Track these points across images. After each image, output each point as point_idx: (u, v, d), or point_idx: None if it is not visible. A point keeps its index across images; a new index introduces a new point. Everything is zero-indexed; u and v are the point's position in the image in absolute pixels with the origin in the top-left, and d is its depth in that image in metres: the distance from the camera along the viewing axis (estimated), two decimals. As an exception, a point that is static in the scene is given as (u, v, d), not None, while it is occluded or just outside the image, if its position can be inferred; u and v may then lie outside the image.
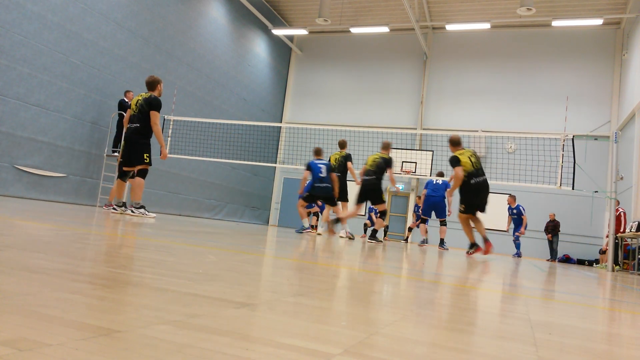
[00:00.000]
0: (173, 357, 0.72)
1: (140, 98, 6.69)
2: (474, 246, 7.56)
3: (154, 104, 6.56)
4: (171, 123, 12.33)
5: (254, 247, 4.05)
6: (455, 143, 7.26)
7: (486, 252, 7.33)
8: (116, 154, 10.86)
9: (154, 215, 7.38)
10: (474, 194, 6.89)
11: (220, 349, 0.80)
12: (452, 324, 1.40)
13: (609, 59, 16.26)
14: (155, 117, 6.57)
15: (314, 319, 1.19)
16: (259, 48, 17.89)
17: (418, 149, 17.04)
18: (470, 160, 6.92)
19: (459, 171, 6.82)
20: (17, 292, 1.03)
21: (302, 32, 18.01)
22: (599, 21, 14.67)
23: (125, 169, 6.75)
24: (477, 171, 6.88)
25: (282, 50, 19.53)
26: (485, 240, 7.34)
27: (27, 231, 2.76)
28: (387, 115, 18.31)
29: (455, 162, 6.89)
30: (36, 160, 9.50)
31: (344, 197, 9.15)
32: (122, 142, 6.98)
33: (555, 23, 15.16)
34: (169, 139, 12.23)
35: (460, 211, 7.13)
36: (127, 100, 11.07)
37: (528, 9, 12.29)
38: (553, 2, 16.02)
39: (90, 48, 10.63)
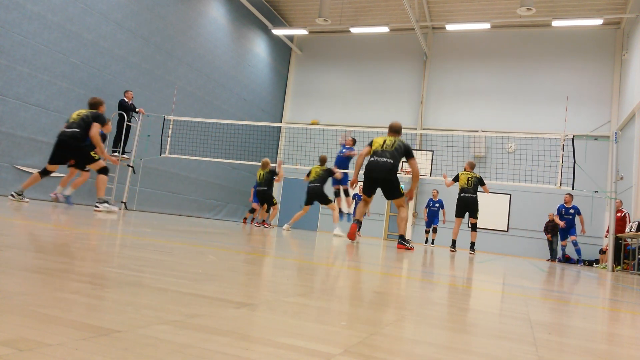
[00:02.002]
0: (173, 357, 0.72)
1: (391, 139, 6.93)
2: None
3: (99, 118, 6.89)
4: (171, 123, 12.33)
5: (254, 247, 4.05)
6: (391, 128, 7.22)
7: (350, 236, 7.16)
8: (116, 154, 10.87)
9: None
10: (365, 175, 6.92)
11: (220, 349, 0.80)
12: (452, 324, 1.40)
13: (609, 59, 16.26)
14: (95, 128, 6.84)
15: (314, 319, 1.19)
16: (259, 48, 17.89)
17: (418, 149, 17.04)
18: (384, 142, 6.89)
19: (364, 150, 7.10)
20: (17, 292, 1.03)
21: (302, 32, 18.01)
22: (599, 21, 14.67)
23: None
24: (381, 152, 6.79)
25: (282, 50, 19.53)
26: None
27: (27, 231, 2.76)
28: (387, 115, 18.29)
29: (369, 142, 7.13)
30: (36, 160, 9.49)
31: (326, 201, 10.33)
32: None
33: (555, 23, 15.16)
34: (169, 139, 12.24)
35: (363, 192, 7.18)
36: (127, 100, 11.07)
37: (528, 9, 12.29)
38: (553, 2, 16.02)
39: (90, 48, 10.63)
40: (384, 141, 6.89)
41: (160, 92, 13.01)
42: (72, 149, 6.70)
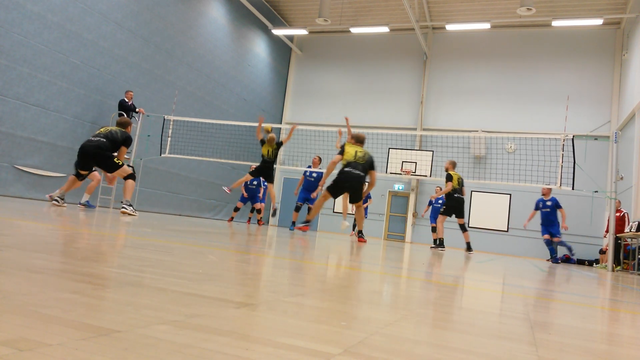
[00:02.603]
0: (173, 357, 0.72)
1: (361, 150, 7.80)
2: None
3: (127, 141, 7.14)
4: (171, 123, 12.33)
5: (254, 247, 4.05)
6: (356, 139, 8.10)
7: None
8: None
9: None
10: (340, 182, 7.69)
11: (220, 349, 0.80)
12: (452, 324, 1.40)
13: (609, 59, 16.26)
14: (123, 151, 7.13)
15: (314, 319, 1.19)
16: (259, 48, 17.89)
17: (418, 149, 17.04)
18: (355, 154, 7.72)
19: (337, 158, 7.79)
20: (17, 292, 1.03)
21: (302, 32, 18.01)
22: (599, 21, 14.66)
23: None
24: (355, 164, 7.62)
25: (282, 50, 19.53)
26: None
27: (27, 231, 2.76)
28: (387, 115, 18.32)
29: (340, 150, 7.85)
30: (36, 160, 9.50)
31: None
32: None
33: (555, 23, 15.16)
34: (169, 139, 12.24)
35: (326, 187, 8.03)
36: (127, 100, 11.07)
37: (528, 9, 12.29)
38: (553, 2, 16.01)
39: (90, 48, 10.63)
40: (356, 152, 7.72)
41: (160, 92, 13.01)
42: (98, 159, 6.82)
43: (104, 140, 6.80)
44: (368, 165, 7.74)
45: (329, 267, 3.04)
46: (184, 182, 14.34)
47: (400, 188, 17.80)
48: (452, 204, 9.80)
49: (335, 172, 7.91)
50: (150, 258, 2.10)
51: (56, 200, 7.06)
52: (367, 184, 8.07)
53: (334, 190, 7.82)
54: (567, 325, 1.68)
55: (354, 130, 9.18)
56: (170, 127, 12.30)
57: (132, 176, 7.02)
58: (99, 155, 6.75)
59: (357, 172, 7.58)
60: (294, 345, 0.88)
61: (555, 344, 1.25)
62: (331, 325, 1.13)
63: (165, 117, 12.23)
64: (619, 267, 10.91)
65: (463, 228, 10.00)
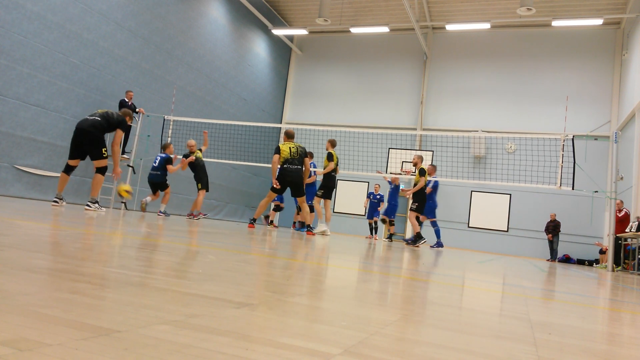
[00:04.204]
0: (173, 357, 0.72)
1: (294, 146, 8.27)
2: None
3: (122, 124, 6.97)
4: (171, 123, 12.33)
5: (254, 247, 4.05)
6: (288, 135, 8.65)
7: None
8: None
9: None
10: (281, 178, 8.28)
11: (220, 349, 0.80)
12: (452, 324, 1.40)
13: (609, 59, 16.26)
14: (118, 136, 6.97)
15: (314, 319, 1.19)
16: (259, 48, 17.88)
17: (418, 149, 17.03)
18: (290, 150, 8.29)
19: (276, 158, 8.27)
20: (17, 292, 1.03)
21: (302, 32, 18.01)
22: (599, 21, 14.66)
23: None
24: (292, 160, 8.27)
25: (282, 50, 19.53)
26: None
27: (27, 231, 2.76)
28: (387, 115, 18.32)
29: (275, 150, 8.35)
30: (36, 160, 9.49)
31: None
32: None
33: (555, 23, 15.16)
34: (169, 139, 12.23)
35: (271, 188, 8.49)
36: (127, 100, 11.06)
37: (528, 9, 12.29)
38: (553, 2, 16.01)
39: (90, 48, 10.63)
40: (290, 149, 8.32)
41: (160, 92, 13.00)
42: (91, 138, 6.65)
43: (99, 119, 6.69)
44: (302, 157, 8.41)
45: (328, 267, 3.04)
46: (184, 182, 14.34)
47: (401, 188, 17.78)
48: (424, 202, 10.05)
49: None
50: (150, 258, 2.10)
51: (55, 200, 7.04)
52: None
53: (280, 188, 8.42)
54: (567, 325, 1.68)
55: (358, 131, 9.46)
56: (170, 127, 12.30)
57: (104, 170, 6.86)
58: (91, 134, 6.61)
59: (295, 166, 8.28)
60: (294, 345, 0.88)
61: (555, 344, 1.25)
62: (331, 325, 1.13)
63: (165, 117, 12.22)
64: (619, 268, 10.90)
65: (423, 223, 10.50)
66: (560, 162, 9.72)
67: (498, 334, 1.31)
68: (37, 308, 0.91)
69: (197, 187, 10.92)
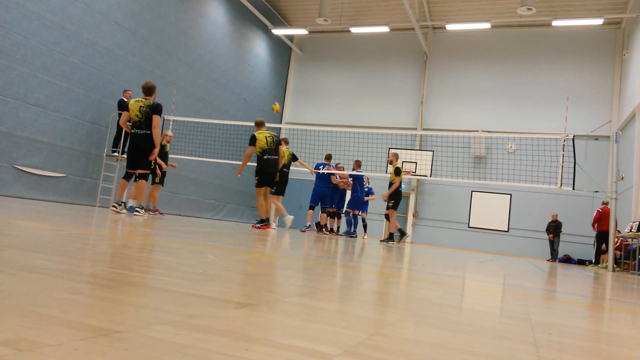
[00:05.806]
0: (173, 357, 0.72)
1: (142, 104, 6.99)
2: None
3: (158, 109, 6.95)
4: (171, 123, 12.33)
5: (254, 247, 4.05)
6: (258, 124, 8.41)
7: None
8: (115, 154, 10.85)
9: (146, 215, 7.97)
10: (263, 169, 8.07)
11: (220, 349, 0.80)
12: (452, 324, 1.40)
13: (609, 58, 16.26)
14: (157, 121, 6.97)
15: (314, 319, 1.18)
16: (259, 48, 17.88)
17: (418, 148, 17.04)
18: (266, 140, 8.08)
19: (250, 150, 8.08)
20: (17, 292, 1.03)
21: (302, 32, 18.01)
22: (599, 21, 14.66)
23: (130, 171, 7.27)
24: (269, 150, 8.06)
25: (282, 50, 19.53)
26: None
27: (27, 231, 2.75)
28: (387, 115, 18.31)
29: (251, 139, 8.11)
30: (36, 160, 9.49)
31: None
32: (128, 145, 7.37)
33: (555, 23, 15.15)
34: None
35: (255, 185, 8.29)
36: (126, 100, 11.06)
37: (528, 8, 12.28)
38: (553, 2, 16.01)
39: (90, 48, 10.63)
40: (266, 138, 8.08)
41: (160, 92, 12.94)
42: (145, 150, 6.85)
43: (148, 132, 6.79)
44: (277, 145, 8.24)
45: (328, 267, 3.04)
46: (184, 182, 14.34)
47: (401, 188, 17.78)
48: (399, 198, 10.22)
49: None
50: (150, 258, 2.10)
51: (114, 206, 7.15)
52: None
53: (261, 180, 8.18)
54: (567, 325, 1.68)
55: (358, 131, 9.50)
56: (170, 127, 12.30)
57: (147, 176, 7.10)
58: (147, 148, 6.80)
59: (274, 157, 8.13)
60: (294, 345, 0.88)
61: (555, 344, 1.25)
62: (331, 325, 1.12)
63: (165, 117, 12.23)
64: (618, 268, 10.89)
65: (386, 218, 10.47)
66: (561, 162, 9.72)
67: (498, 334, 1.31)
68: (37, 308, 0.91)
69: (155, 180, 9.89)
